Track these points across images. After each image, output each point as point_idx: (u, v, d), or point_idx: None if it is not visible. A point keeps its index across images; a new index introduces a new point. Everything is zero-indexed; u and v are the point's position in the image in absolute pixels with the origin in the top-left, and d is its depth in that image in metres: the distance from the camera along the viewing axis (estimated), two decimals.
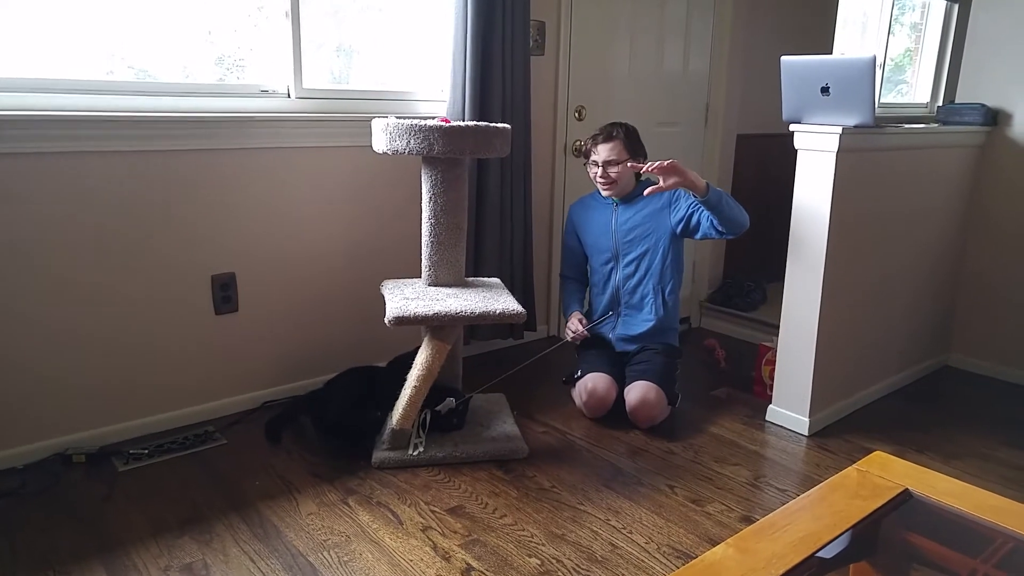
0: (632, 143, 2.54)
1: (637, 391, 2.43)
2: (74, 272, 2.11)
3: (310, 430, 2.35)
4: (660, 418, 2.47)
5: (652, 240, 2.56)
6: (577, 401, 2.57)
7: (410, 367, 2.17)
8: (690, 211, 2.47)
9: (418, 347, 2.18)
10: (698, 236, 2.47)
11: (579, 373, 2.58)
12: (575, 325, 2.63)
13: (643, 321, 2.60)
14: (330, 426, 2.27)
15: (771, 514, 1.23)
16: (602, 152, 2.52)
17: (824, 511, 1.24)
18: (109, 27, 2.19)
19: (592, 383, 2.48)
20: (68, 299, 2.11)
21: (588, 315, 2.74)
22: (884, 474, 1.36)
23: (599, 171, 2.55)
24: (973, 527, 1.24)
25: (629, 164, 2.50)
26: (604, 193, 2.60)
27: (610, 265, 2.63)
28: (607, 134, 2.53)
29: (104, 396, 2.22)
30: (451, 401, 2.24)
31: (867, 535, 1.23)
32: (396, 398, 2.19)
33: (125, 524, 1.85)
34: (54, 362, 2.12)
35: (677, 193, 2.50)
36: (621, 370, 2.56)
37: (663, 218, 2.55)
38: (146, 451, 2.18)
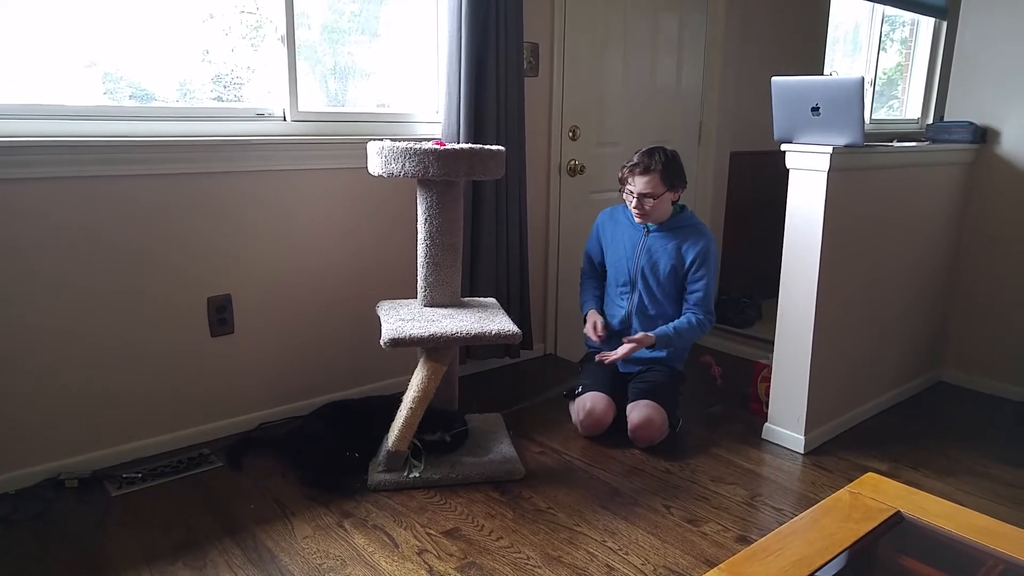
0: (671, 174, 2.45)
1: (641, 411, 2.42)
2: (69, 296, 2.11)
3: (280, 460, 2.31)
4: (659, 439, 2.46)
5: (673, 276, 2.54)
6: (574, 418, 2.56)
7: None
8: (689, 286, 2.54)
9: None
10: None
11: (579, 389, 2.57)
12: (591, 332, 2.58)
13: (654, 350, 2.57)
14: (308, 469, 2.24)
15: (763, 538, 1.23)
16: (638, 184, 2.45)
17: (816, 534, 1.24)
18: (105, 45, 2.21)
19: (591, 403, 2.48)
20: (62, 322, 2.12)
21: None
22: (876, 496, 1.36)
23: (634, 200, 2.48)
24: (964, 549, 1.24)
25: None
26: (637, 220, 2.55)
27: (626, 288, 2.60)
28: (644, 166, 2.43)
29: (97, 419, 2.21)
30: (443, 436, 2.24)
31: (859, 558, 1.23)
32: (369, 433, 2.23)
33: (118, 550, 1.84)
34: (46, 385, 2.11)
35: (698, 259, 2.50)
36: (622, 388, 2.54)
37: (684, 261, 2.53)
38: (140, 475, 2.17)
